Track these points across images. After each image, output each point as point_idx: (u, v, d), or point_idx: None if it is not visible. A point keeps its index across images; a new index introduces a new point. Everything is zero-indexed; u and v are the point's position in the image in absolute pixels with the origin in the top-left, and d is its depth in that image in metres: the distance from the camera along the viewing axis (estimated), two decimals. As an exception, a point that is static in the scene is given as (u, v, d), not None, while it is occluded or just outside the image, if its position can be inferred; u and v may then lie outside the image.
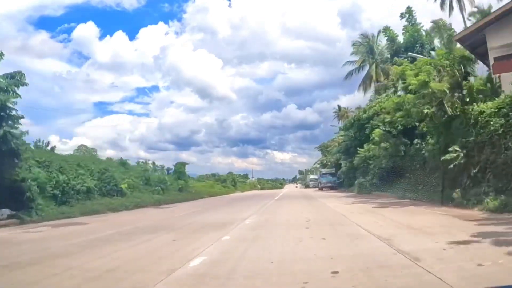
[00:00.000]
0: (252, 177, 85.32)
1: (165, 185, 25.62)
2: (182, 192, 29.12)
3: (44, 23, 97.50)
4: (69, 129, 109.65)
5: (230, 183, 52.40)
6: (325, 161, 63.75)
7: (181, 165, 32.90)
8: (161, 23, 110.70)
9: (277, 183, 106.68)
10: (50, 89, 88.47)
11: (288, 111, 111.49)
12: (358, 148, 26.02)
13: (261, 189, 79.34)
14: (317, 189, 47.88)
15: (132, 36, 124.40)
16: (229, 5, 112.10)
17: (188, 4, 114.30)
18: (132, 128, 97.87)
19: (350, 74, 37.81)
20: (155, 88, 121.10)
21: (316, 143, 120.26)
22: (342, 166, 35.51)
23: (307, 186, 78.77)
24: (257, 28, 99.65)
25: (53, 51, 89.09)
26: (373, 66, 36.00)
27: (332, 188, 41.37)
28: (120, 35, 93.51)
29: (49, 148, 24.24)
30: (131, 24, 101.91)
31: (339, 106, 78.42)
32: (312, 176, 75.29)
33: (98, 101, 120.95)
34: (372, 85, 35.55)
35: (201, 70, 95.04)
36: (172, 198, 24.17)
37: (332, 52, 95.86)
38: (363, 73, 37.90)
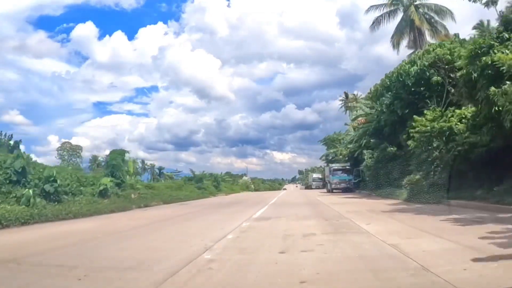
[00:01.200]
0: (246, 176, 72.58)
1: (52, 186, 13.72)
2: (104, 198, 17.15)
3: (43, 23, 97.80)
4: (69, 129, 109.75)
5: (212, 183, 40.39)
6: (331, 156, 52.14)
7: (116, 155, 20.96)
8: (160, 23, 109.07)
9: (276, 183, 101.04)
10: (49, 89, 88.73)
11: (287, 111, 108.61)
12: (415, 117, 14.03)
13: (255, 190, 67.21)
14: (325, 191, 35.95)
15: (131, 36, 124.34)
16: (228, 5, 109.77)
17: (187, 4, 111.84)
18: (131, 128, 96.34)
19: (377, 22, 25.88)
20: (154, 88, 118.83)
21: (315, 143, 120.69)
22: (366, 158, 23.61)
23: (308, 187, 67.07)
24: (256, 28, 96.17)
25: (52, 51, 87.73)
26: (412, 8, 24.07)
27: (346, 190, 29.50)
28: (119, 35, 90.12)
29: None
30: (130, 24, 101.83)
31: (346, 94, 67.40)
32: (315, 175, 63.18)
33: (97, 101, 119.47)
34: (412, 35, 23.63)
35: (200, 70, 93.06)
36: (58, 210, 12.24)
37: (331, 52, 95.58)
38: (394, 23, 26.01)
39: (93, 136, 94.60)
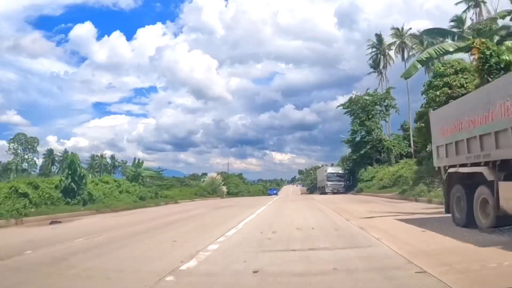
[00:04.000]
0: (214, 173, 43.66)
1: None
2: None
3: (42, 23, 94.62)
4: (68, 130, 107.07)
5: (63, 181, 13.81)
6: (360, 135, 25.73)
7: None
8: (159, 24, 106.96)
9: (273, 184, 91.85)
10: (47, 89, 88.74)
11: (286, 112, 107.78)
12: None
13: (234, 195, 40.30)
14: (381, 206, 9.00)
15: (129, 36, 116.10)
16: (226, 5, 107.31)
17: (185, 5, 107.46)
18: (130, 128, 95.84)
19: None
20: (153, 89, 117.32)
21: (314, 144, 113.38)
22: None
23: (313, 191, 40.23)
24: (253, 28, 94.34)
25: (50, 51, 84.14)
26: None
27: None
28: (117, 36, 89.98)
29: None
30: (128, 24, 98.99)
31: (379, 36, 40.86)
32: (331, 170, 35.35)
33: (96, 101, 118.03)
34: None
35: (197, 70, 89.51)
36: None
37: (330, 52, 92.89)
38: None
39: (92, 137, 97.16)
